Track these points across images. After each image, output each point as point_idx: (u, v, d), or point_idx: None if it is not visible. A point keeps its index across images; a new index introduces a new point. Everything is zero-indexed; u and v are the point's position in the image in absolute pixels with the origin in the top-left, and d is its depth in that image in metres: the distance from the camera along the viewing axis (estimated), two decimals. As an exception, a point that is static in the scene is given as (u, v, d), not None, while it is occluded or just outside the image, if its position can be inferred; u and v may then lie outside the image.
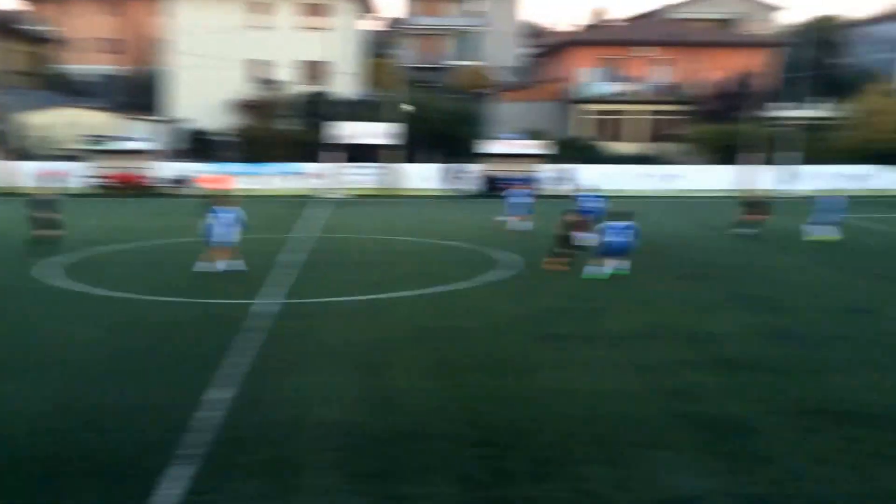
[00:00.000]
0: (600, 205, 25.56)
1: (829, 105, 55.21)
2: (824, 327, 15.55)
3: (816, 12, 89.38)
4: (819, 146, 47.18)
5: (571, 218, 22.09)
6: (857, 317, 16.41)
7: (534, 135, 46.99)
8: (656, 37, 56.62)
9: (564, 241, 21.52)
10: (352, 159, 45.41)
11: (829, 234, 27.03)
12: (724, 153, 46.83)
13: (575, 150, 47.33)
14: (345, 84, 56.87)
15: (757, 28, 67.75)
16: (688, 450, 9.68)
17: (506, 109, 54.38)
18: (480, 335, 14.71)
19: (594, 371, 12.64)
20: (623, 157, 48.66)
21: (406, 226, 30.93)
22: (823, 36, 78.75)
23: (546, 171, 44.73)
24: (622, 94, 54.49)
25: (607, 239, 20.07)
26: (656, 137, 53.38)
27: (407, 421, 10.47)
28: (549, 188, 43.40)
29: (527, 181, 43.81)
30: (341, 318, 15.98)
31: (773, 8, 72.74)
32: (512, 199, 30.12)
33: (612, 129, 54.48)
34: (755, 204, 28.70)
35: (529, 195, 30.63)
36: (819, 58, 72.26)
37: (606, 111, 54.40)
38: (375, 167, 46.90)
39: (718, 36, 60.60)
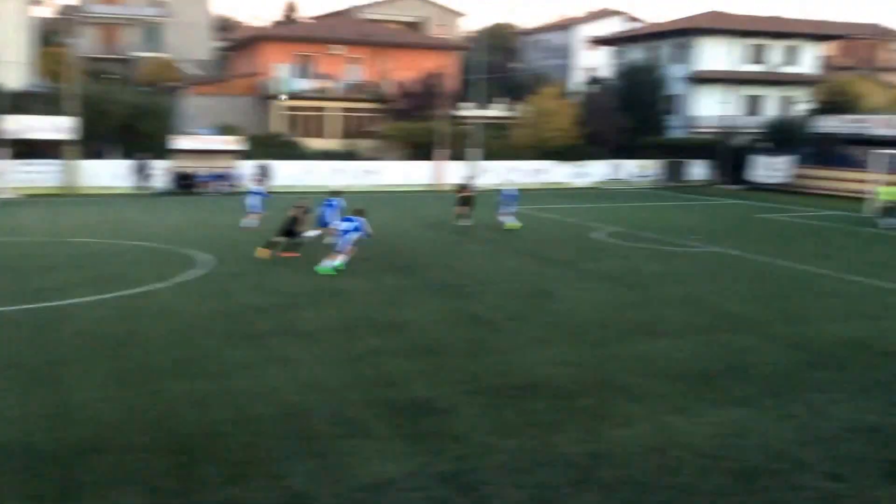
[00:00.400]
0: (339, 202, 25.55)
1: (507, 105, 59.41)
2: (507, 310, 16.70)
3: (494, 19, 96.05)
4: (499, 143, 50.72)
5: (295, 212, 22.54)
6: (535, 299, 17.81)
7: (228, 130, 45.80)
8: (348, 35, 57.53)
9: (288, 233, 22.04)
10: (25, 156, 41.22)
11: (512, 222, 29.17)
12: (417, 149, 48.82)
13: (273, 147, 46.76)
14: (14, 75, 51.47)
15: (442, 32, 71.36)
16: (386, 436, 9.96)
17: (198, 104, 52.40)
18: (172, 338, 14.03)
19: (293, 367, 12.59)
20: (320, 153, 48.89)
21: (88, 226, 28.55)
22: (501, 42, 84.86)
23: (242, 167, 43.80)
24: (319, 90, 54.72)
25: (343, 234, 20.42)
26: (352, 134, 54.30)
27: (89, 435, 9.71)
28: (246, 185, 42.69)
29: (222, 178, 42.67)
30: (8, 329, 14.41)
31: (457, 13, 77.04)
32: (249, 199, 29.53)
33: (309, 125, 54.54)
34: (466, 198, 30.21)
35: (261, 193, 29.89)
36: (498, 62, 77.70)
37: (302, 107, 54.32)
38: (52, 164, 42.98)
39: (407, 37, 62.87)
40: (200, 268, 20.66)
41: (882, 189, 32.65)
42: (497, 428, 10.24)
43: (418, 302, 17.32)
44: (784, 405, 11.22)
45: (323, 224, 24.23)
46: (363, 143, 52.41)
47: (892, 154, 39.61)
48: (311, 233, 23.49)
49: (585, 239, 27.23)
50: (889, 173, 38.67)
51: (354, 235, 20.66)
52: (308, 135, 53.15)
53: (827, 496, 8.57)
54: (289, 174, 44.12)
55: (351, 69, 56.65)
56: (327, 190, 27.91)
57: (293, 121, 53.90)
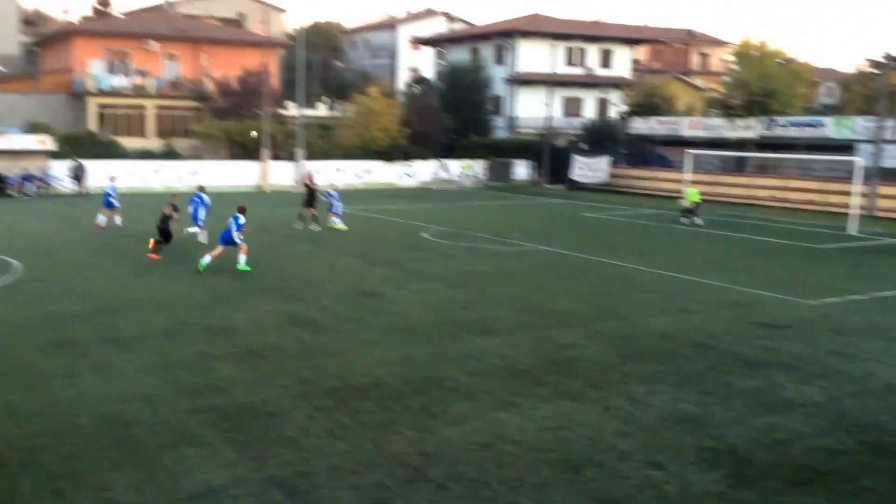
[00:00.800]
0: (205, 199, 25.87)
1: (332, 105, 58.82)
2: (337, 312, 16.46)
3: (317, 17, 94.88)
4: (325, 144, 50.16)
5: (168, 210, 22.99)
6: (365, 300, 17.65)
7: (39, 129, 42.91)
8: (164, 31, 55.00)
9: (162, 232, 22.40)
10: None
11: (339, 224, 28.82)
12: (240, 150, 47.42)
13: (88, 147, 43.98)
14: None
15: (262, 28, 69.62)
16: (213, 442, 9.60)
17: (5, 102, 48.76)
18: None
19: (114, 375, 11.92)
20: (140, 152, 46.54)
21: None
22: (325, 40, 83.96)
23: (54, 168, 41.16)
24: (135, 88, 52.04)
25: (225, 231, 20.39)
26: (171, 133, 52.06)
27: None
28: (60, 185, 40.41)
29: (33, 179, 39.97)
30: None
31: (278, 9, 75.32)
32: (107, 197, 29.03)
33: (126, 124, 51.79)
34: (311, 198, 29.52)
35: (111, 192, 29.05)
36: (322, 60, 76.77)
37: (118, 105, 51.51)
38: None
39: (225, 34, 60.84)
40: (12, 274, 19.36)
41: (688, 190, 34.62)
42: (328, 430, 10.03)
43: (246, 305, 16.78)
44: (607, 398, 11.61)
45: (196, 220, 25.09)
46: (183, 143, 50.36)
47: (702, 154, 42.27)
48: (191, 230, 24.75)
49: (413, 239, 27.32)
50: (700, 173, 41.26)
51: (237, 232, 20.40)
52: (125, 134, 50.46)
53: (648, 484, 8.89)
54: (106, 175, 41.54)
55: (168, 66, 54.31)
56: (141, 192, 26.61)
57: (109, 120, 51.01)
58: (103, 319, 15.23)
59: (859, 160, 33.82)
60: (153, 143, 50.32)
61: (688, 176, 38.75)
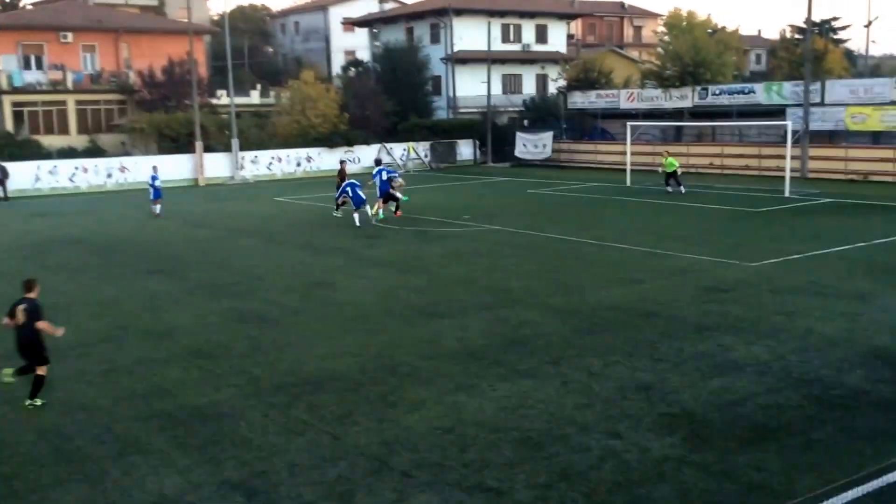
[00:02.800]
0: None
1: (265, 92, 57.87)
2: (286, 305, 16.22)
3: (243, 1, 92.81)
4: (261, 132, 49.37)
5: None
6: (315, 291, 17.44)
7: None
8: (79, 22, 53.05)
9: None
10: None
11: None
12: (169, 142, 46.26)
13: (5, 147, 42.31)
14: None
15: (184, 15, 67.71)
16: (164, 449, 9.34)
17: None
18: None
19: (51, 386, 11.42)
20: (62, 150, 45.04)
21: None
22: (253, 25, 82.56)
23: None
24: (53, 83, 50.28)
25: None
26: (95, 129, 50.55)
27: None
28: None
29: None
30: None
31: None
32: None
33: (45, 121, 50.10)
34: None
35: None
36: (252, 46, 75.45)
37: (35, 102, 49.78)
38: None
39: (145, 22, 58.98)
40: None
41: (666, 160, 34.55)
42: (285, 427, 9.87)
43: (188, 304, 16.42)
44: (564, 372, 11.65)
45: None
46: (109, 139, 49.01)
47: (641, 126, 42.65)
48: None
49: (360, 226, 27.08)
50: (641, 144, 41.58)
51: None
52: (45, 132, 48.84)
53: (608, 454, 8.95)
54: (25, 176, 40.36)
55: (87, 58, 52.68)
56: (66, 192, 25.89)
57: (26, 117, 49.31)
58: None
59: (789, 124, 34.52)
60: (76, 139, 48.76)
61: (629, 147, 39.11)
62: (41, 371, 10.77)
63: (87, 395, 11.18)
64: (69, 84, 50.51)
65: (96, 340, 13.87)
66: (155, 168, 32.22)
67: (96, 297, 17.17)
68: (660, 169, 35.29)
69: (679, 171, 34.20)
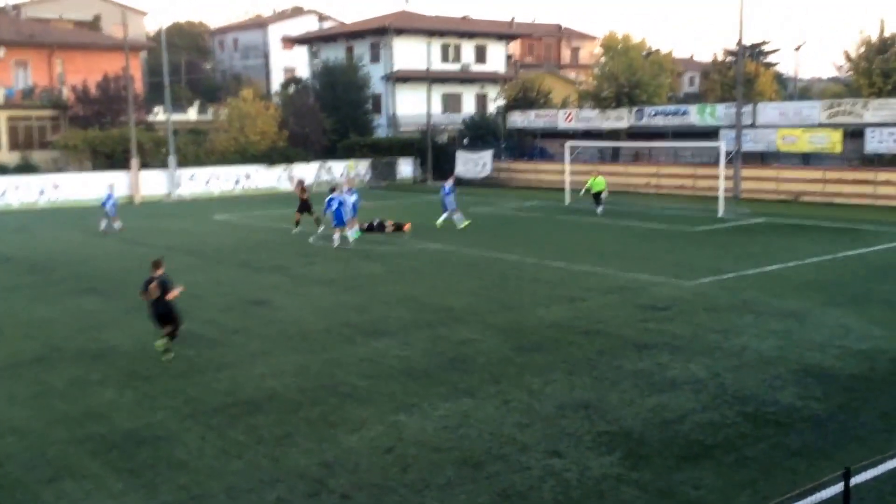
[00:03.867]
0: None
1: (203, 109, 57.12)
2: (223, 324, 15.98)
3: (181, 17, 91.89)
4: (198, 149, 48.66)
5: None
6: (252, 310, 17.21)
7: None
8: (9, 36, 51.71)
9: None
10: None
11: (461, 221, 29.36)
12: (104, 159, 45.28)
13: None
14: None
15: (120, 31, 66.65)
16: (98, 473, 9.10)
17: None
18: None
19: (-20, 410, 11.08)
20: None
21: None
22: (191, 41, 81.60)
23: None
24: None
25: None
26: (26, 145, 49.23)
27: None
28: None
29: None
30: None
31: (137, 11, 72.04)
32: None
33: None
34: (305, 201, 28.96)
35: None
36: (189, 62, 74.51)
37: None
38: None
39: (79, 37, 57.72)
40: None
41: (592, 180, 34.69)
42: (222, 450, 9.69)
43: (123, 324, 16.05)
44: (505, 391, 11.68)
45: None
46: (41, 155, 47.79)
47: (579, 145, 43.22)
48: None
49: (298, 244, 26.85)
50: (579, 164, 42.09)
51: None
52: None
53: (548, 473, 8.98)
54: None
55: (18, 74, 51.40)
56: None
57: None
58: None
59: (722, 145, 35.36)
60: (8, 156, 47.45)
61: (574, 167, 39.59)
62: (176, 331, 13.52)
63: (18, 417, 10.84)
64: (0, 99, 49.19)
65: (28, 361, 13.47)
66: (111, 187, 32.65)
67: (28, 317, 16.67)
68: (581, 191, 35.53)
69: (604, 194, 34.50)
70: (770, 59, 74.31)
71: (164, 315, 13.44)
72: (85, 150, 45.90)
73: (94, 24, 66.83)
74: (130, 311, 17.21)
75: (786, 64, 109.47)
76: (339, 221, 26.06)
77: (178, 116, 52.43)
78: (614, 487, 8.65)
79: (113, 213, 30.63)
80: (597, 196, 34.35)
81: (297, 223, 28.98)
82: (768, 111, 42.13)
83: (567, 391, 11.66)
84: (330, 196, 26.55)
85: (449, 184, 30.31)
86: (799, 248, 24.36)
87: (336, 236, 25.95)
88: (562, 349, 13.81)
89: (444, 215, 29.75)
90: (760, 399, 11.27)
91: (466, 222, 29.72)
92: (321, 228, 27.88)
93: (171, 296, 13.34)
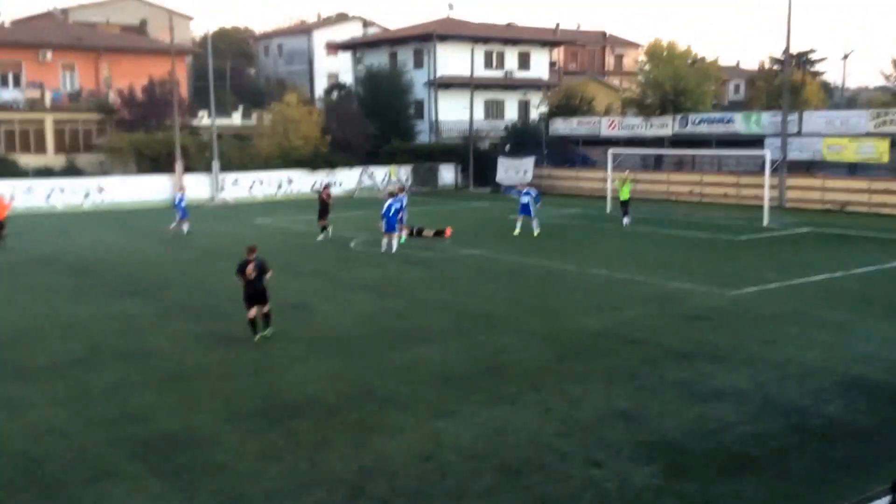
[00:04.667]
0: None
1: (247, 113, 57.67)
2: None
3: (227, 23, 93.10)
4: (242, 154, 49.16)
5: None
6: (293, 314, 17.25)
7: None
8: (58, 39, 52.65)
9: None
10: None
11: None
12: (149, 162, 45.92)
13: None
14: None
15: (167, 35, 67.73)
16: (137, 475, 9.16)
17: None
18: None
19: (21, 410, 11.30)
20: (39, 169, 44.49)
21: None
22: (236, 47, 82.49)
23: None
24: (30, 101, 49.77)
25: None
26: (73, 148, 50.12)
27: None
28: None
29: None
30: None
31: (184, 16, 73.06)
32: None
33: (21, 139, 49.54)
34: (325, 210, 28.94)
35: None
36: (234, 68, 75.29)
37: (12, 120, 49.12)
38: None
39: (126, 41, 58.64)
40: None
41: (622, 186, 32.97)
42: (261, 453, 9.71)
43: (164, 326, 16.20)
44: (544, 399, 11.57)
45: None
46: (87, 158, 48.62)
47: (622, 153, 42.88)
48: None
49: (340, 248, 26.97)
50: (621, 171, 41.74)
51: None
52: (22, 150, 48.32)
53: (588, 483, 8.87)
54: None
55: (66, 77, 52.38)
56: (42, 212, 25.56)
57: (2, 136, 48.76)
58: (5, 351, 14.44)
59: (767, 153, 34.85)
60: (53, 159, 48.32)
61: (611, 174, 39.29)
62: (268, 309, 14.93)
63: (59, 418, 10.95)
64: (47, 103, 50.16)
65: (69, 362, 13.63)
66: (182, 188, 33.44)
67: (70, 319, 16.90)
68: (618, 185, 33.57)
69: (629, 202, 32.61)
70: (817, 67, 73.30)
71: (260, 294, 14.75)
72: (130, 153, 46.57)
73: (141, 28, 67.86)
74: (170, 313, 17.46)
75: (833, 73, 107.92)
76: (391, 227, 26.07)
77: (222, 121, 52.97)
78: (655, 498, 8.52)
79: (184, 216, 31.03)
80: (624, 205, 32.55)
81: (324, 228, 28.99)
82: (814, 120, 41.43)
83: (607, 400, 11.52)
84: (390, 201, 26.56)
85: (535, 190, 30.40)
86: (844, 258, 23.89)
87: (385, 241, 26.02)
88: (602, 358, 13.67)
89: (527, 223, 29.53)
90: (804, 411, 11.04)
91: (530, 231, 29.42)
92: (326, 236, 28.28)
93: (268, 276, 14.80)
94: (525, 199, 29.91)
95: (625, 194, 32.70)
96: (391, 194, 27.70)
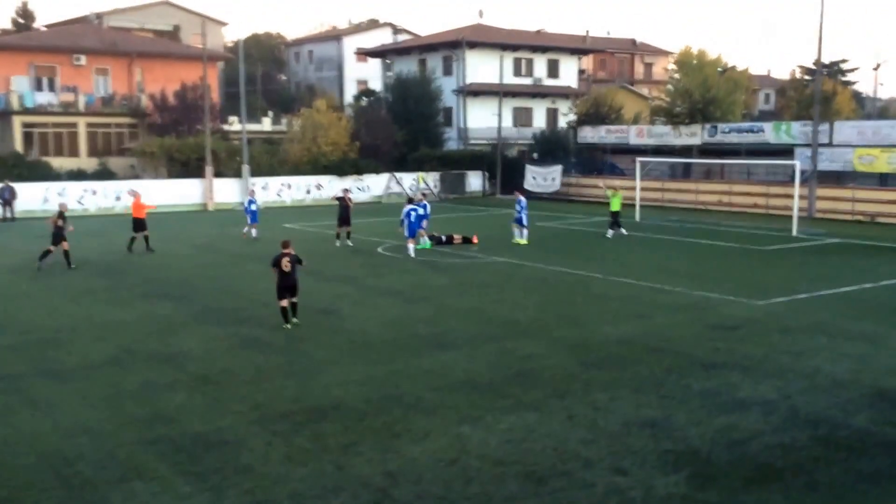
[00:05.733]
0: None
1: (277, 119, 58.09)
2: (292, 332, 16.19)
3: (259, 29, 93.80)
4: (272, 159, 49.58)
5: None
6: (321, 319, 17.40)
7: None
8: (92, 44, 53.38)
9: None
10: None
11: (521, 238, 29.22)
12: (179, 167, 46.43)
13: (14, 167, 42.44)
14: None
15: (200, 41, 68.49)
16: (165, 475, 9.28)
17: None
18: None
19: (54, 410, 11.49)
20: (72, 172, 45.17)
21: None
22: (267, 53, 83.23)
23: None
24: (64, 105, 50.61)
25: None
26: (105, 151, 50.83)
27: None
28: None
29: None
30: None
31: (217, 22, 73.90)
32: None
33: (55, 142, 50.36)
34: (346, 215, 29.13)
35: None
36: (265, 73, 76.01)
37: (46, 124, 50.07)
38: None
39: (159, 47, 59.43)
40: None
41: (612, 196, 31.59)
42: (288, 456, 9.81)
43: (194, 329, 16.41)
44: (570, 406, 11.59)
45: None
46: (119, 162, 49.27)
47: (650, 161, 42.75)
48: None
49: (368, 254, 27.14)
50: (650, 180, 41.57)
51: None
52: (55, 153, 49.07)
53: (613, 491, 8.87)
54: (33, 197, 40.58)
55: (99, 81, 53.11)
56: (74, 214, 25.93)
57: (37, 139, 49.58)
58: (39, 351, 14.68)
59: (797, 164, 34.57)
60: (86, 162, 48.99)
61: (638, 183, 39.16)
62: (296, 300, 16.35)
63: (90, 418, 11.13)
64: (81, 106, 50.90)
65: (101, 363, 13.85)
66: (252, 192, 33.75)
67: (102, 320, 17.16)
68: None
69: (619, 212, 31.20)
70: (848, 77, 72.59)
71: (293, 286, 16.14)
72: (161, 157, 47.15)
73: (174, 34, 68.72)
74: (200, 316, 17.66)
75: (864, 83, 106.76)
76: (412, 233, 26.42)
77: (252, 126, 53.50)
78: (680, 508, 8.51)
79: (254, 220, 31.13)
80: (614, 216, 31.19)
81: (349, 234, 29.19)
82: (845, 130, 41.05)
83: (633, 408, 11.52)
84: (408, 208, 26.87)
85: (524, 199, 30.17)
86: (874, 269, 23.65)
87: (410, 247, 26.24)
88: (628, 366, 13.65)
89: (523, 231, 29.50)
90: (833, 422, 10.97)
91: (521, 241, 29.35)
92: (344, 242, 28.63)
93: (301, 267, 16.24)
94: (517, 208, 29.49)
95: (615, 205, 31.32)
96: (409, 201, 27.89)
